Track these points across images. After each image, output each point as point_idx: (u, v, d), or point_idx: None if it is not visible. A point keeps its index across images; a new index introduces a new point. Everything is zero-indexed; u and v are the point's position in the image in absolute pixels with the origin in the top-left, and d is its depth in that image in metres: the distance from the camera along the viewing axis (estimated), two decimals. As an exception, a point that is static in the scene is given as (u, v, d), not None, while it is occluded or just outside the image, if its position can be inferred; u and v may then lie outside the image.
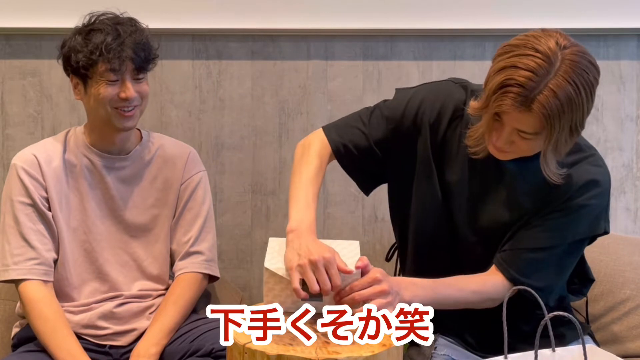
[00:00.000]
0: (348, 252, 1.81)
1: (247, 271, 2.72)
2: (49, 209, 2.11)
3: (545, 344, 1.63)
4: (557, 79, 1.65)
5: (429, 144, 1.92)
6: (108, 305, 2.15)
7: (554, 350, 1.65)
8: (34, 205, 2.10)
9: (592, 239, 1.93)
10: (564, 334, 1.93)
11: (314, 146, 1.96)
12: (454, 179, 1.92)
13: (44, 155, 2.13)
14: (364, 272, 1.74)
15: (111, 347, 2.13)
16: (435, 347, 1.94)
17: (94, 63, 2.03)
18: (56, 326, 2.04)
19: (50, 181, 2.11)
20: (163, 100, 2.66)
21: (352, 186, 2.20)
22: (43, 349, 2.05)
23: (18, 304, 2.17)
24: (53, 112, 2.67)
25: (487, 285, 1.84)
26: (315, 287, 1.66)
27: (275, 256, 1.79)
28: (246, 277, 2.72)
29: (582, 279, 2.04)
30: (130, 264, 2.20)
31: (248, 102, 2.67)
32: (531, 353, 1.55)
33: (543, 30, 1.73)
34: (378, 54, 2.65)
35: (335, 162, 2.00)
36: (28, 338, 2.11)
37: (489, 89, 1.70)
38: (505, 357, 1.61)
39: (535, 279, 1.82)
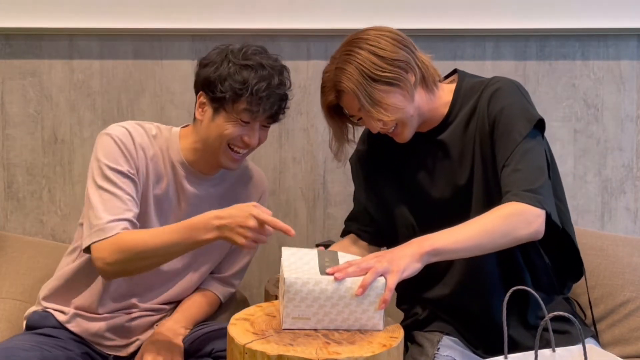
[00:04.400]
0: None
1: (247, 271, 2.71)
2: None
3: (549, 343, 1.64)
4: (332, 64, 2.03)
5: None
6: (121, 319, 2.11)
7: (554, 351, 1.65)
8: (124, 174, 1.99)
9: (541, 132, 1.96)
10: (569, 331, 1.94)
11: None
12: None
13: (140, 140, 2.04)
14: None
15: (115, 357, 2.11)
16: (439, 348, 1.95)
17: (237, 98, 1.97)
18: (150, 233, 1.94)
19: (139, 166, 2.01)
20: (163, 100, 2.65)
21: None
22: (52, 334, 2.05)
23: (32, 308, 2.16)
24: (53, 112, 2.66)
25: (497, 207, 1.85)
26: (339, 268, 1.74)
27: (294, 264, 1.76)
28: (246, 277, 2.70)
29: (575, 264, 2.04)
30: (174, 280, 2.16)
31: (248, 102, 2.67)
32: (531, 353, 1.56)
33: None
34: (378, 54, 2.65)
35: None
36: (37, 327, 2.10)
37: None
38: (506, 357, 1.61)
39: (524, 184, 1.87)
